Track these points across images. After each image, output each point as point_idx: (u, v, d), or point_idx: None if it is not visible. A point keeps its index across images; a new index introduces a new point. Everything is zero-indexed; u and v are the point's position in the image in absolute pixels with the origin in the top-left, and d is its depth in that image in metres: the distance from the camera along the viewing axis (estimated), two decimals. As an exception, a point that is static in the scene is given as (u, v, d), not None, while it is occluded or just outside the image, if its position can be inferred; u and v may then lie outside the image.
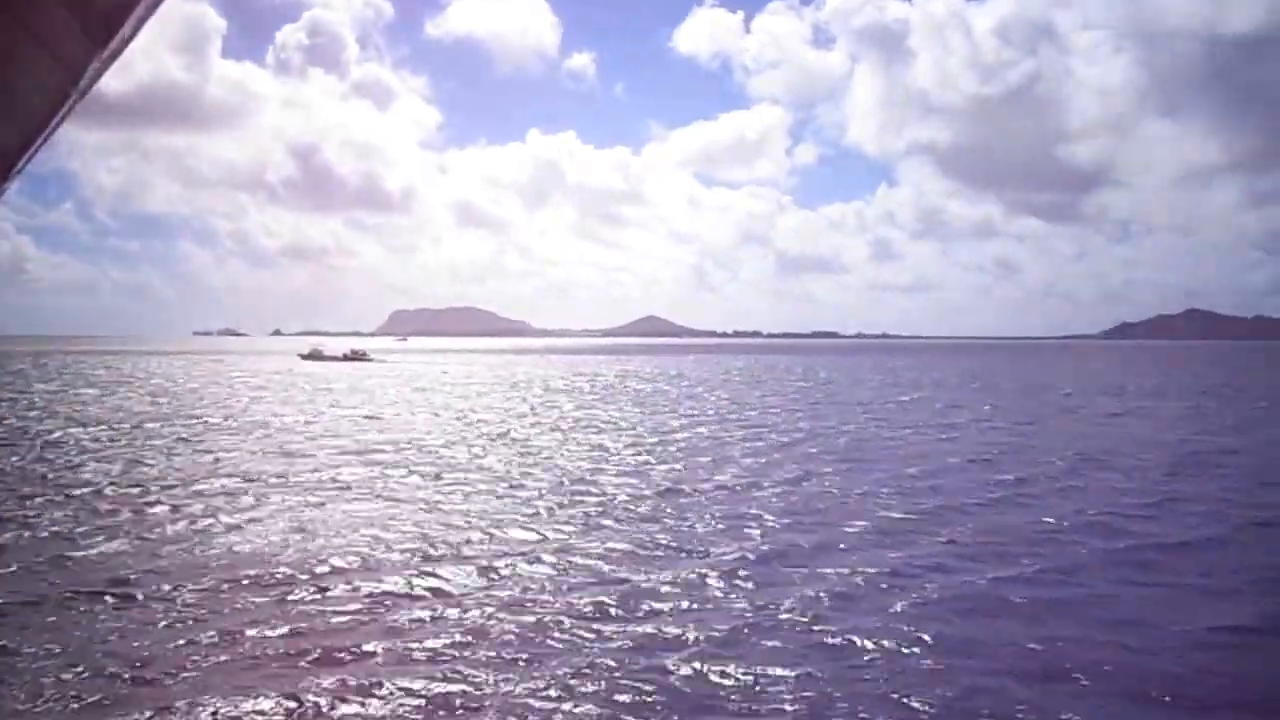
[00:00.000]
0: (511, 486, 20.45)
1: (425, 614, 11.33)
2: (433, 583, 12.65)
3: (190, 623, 10.79)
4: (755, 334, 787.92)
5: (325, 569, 13.22)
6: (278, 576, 12.77)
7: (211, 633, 10.42)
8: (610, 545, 14.89)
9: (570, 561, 13.81)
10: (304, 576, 12.77)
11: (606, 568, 13.51)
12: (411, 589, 12.38)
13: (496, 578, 12.95)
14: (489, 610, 11.45)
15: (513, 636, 10.50)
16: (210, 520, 16.50)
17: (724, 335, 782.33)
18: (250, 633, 10.46)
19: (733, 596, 12.16)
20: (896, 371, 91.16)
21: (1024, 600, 12.07)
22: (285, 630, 10.61)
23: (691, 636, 10.46)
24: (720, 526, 16.45)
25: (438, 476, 21.91)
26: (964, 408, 44.70)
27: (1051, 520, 17.20)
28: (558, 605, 11.72)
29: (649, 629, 10.79)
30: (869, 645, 10.27)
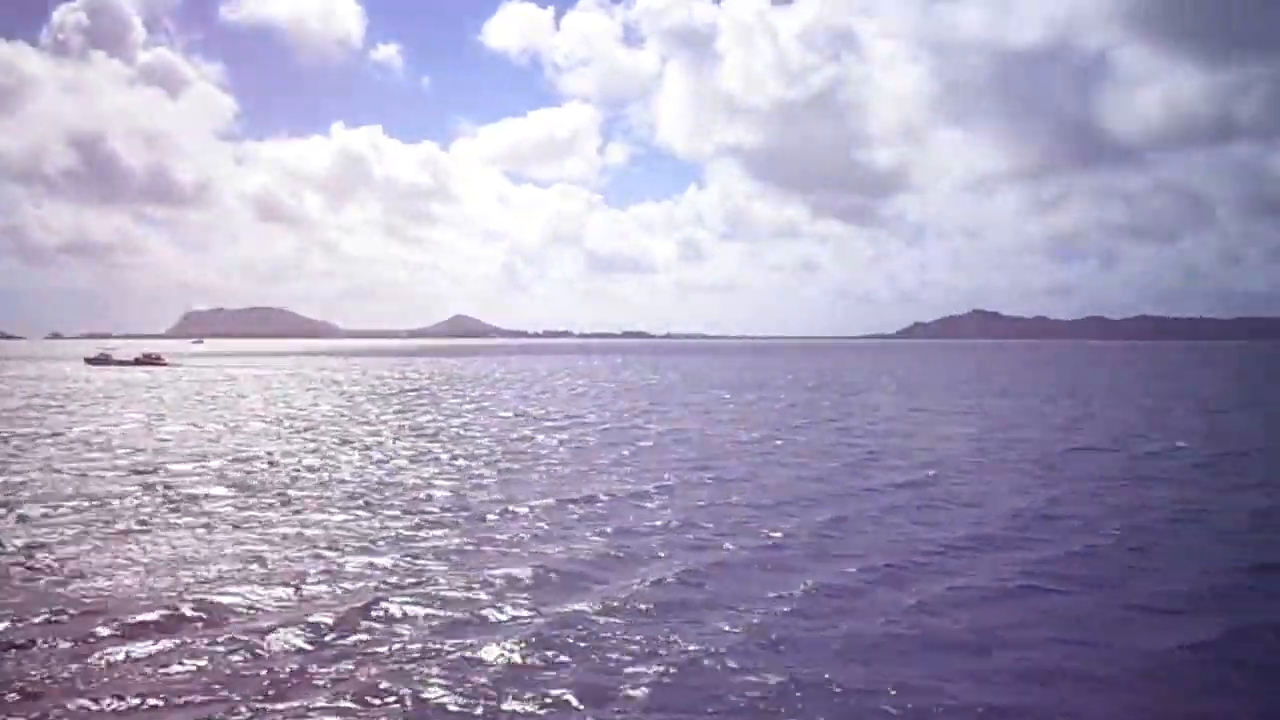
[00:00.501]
0: (366, 505, 18.94)
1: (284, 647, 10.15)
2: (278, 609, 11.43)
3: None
4: (566, 334, 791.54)
5: (137, 595, 11.70)
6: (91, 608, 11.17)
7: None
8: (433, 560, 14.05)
9: (402, 565, 12.87)
10: (118, 607, 11.23)
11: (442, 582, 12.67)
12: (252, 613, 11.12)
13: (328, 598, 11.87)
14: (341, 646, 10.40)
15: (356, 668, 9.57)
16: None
17: (534, 335, 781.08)
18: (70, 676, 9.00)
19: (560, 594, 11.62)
20: (742, 372, 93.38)
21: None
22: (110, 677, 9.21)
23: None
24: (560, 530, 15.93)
25: (282, 495, 20.01)
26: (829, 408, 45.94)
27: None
28: (401, 634, 10.78)
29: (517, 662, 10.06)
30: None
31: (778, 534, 15.97)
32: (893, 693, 9.07)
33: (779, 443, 29.97)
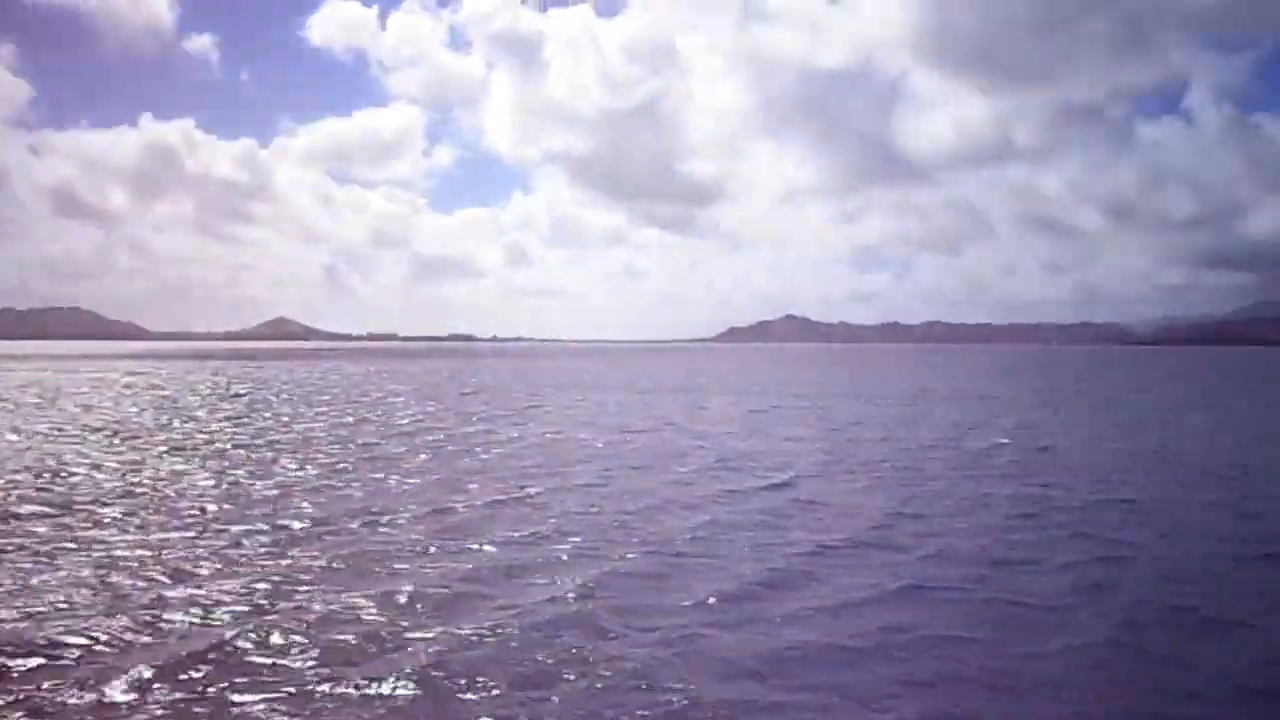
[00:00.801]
0: (215, 521, 17.19)
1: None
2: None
3: None
4: (392, 337, 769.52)
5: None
6: None
7: None
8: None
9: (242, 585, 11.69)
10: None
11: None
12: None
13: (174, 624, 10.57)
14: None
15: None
16: None
17: (359, 339, 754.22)
18: None
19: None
20: (582, 373, 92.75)
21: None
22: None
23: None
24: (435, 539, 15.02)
25: (114, 513, 17.89)
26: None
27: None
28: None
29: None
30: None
31: (655, 542, 15.65)
32: (814, 701, 8.93)
33: (630, 447, 29.78)
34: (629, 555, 14.66)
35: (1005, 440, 31.65)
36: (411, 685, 9.17)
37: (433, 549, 14.92)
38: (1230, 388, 75.33)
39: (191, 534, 15.82)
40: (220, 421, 37.73)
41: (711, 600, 12.18)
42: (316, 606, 11.66)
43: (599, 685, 9.26)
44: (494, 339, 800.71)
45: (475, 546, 15.17)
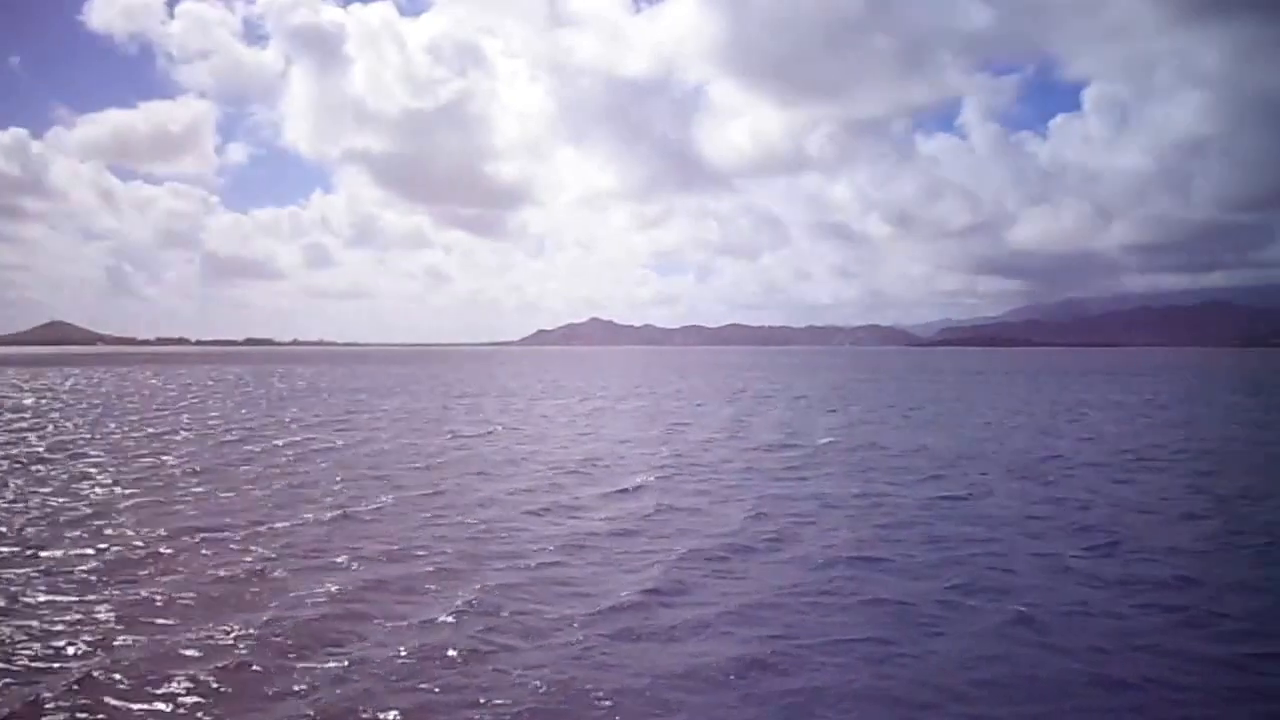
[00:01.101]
0: (24, 544, 15.08)
1: None
2: None
3: None
4: (183, 340, 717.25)
5: None
6: None
7: None
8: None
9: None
10: None
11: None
12: None
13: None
14: None
15: None
16: None
17: (146, 343, 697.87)
18: None
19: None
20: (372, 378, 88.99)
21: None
22: None
23: None
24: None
25: None
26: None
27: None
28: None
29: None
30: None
31: (516, 555, 15.15)
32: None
33: (460, 453, 28.91)
34: (495, 569, 14.05)
35: (833, 439, 32.98)
36: (299, 728, 8.32)
37: (279, 573, 13.75)
38: (1020, 386, 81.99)
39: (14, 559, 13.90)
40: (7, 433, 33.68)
41: (590, 615, 11.81)
42: (166, 640, 10.44)
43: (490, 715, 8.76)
44: (295, 343, 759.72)
45: (325, 567, 14.13)
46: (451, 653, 10.31)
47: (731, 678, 9.72)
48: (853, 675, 9.80)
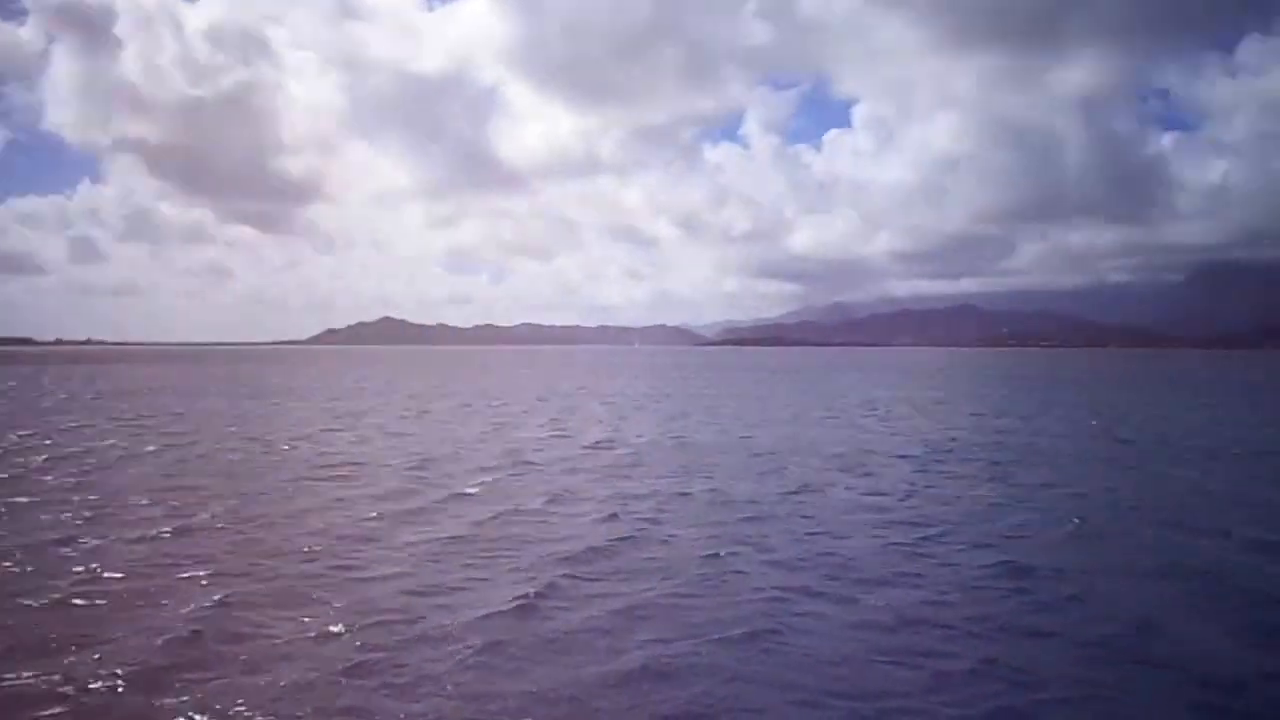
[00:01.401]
0: None
1: None
2: None
3: None
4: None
5: None
6: None
7: None
8: None
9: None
10: None
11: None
12: None
13: None
14: None
15: None
16: None
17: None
18: None
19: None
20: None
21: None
22: None
23: None
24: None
25: None
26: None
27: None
28: None
29: None
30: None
31: (387, 568, 14.51)
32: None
33: (274, 459, 27.27)
34: (356, 580, 13.39)
35: (653, 437, 33.61)
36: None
37: (124, 594, 12.48)
38: (809, 383, 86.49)
39: None
40: None
41: (468, 623, 11.47)
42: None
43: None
44: (58, 342, 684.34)
45: (170, 588, 12.95)
46: (329, 672, 9.72)
47: (616, 686, 9.71)
48: (734, 672, 9.98)
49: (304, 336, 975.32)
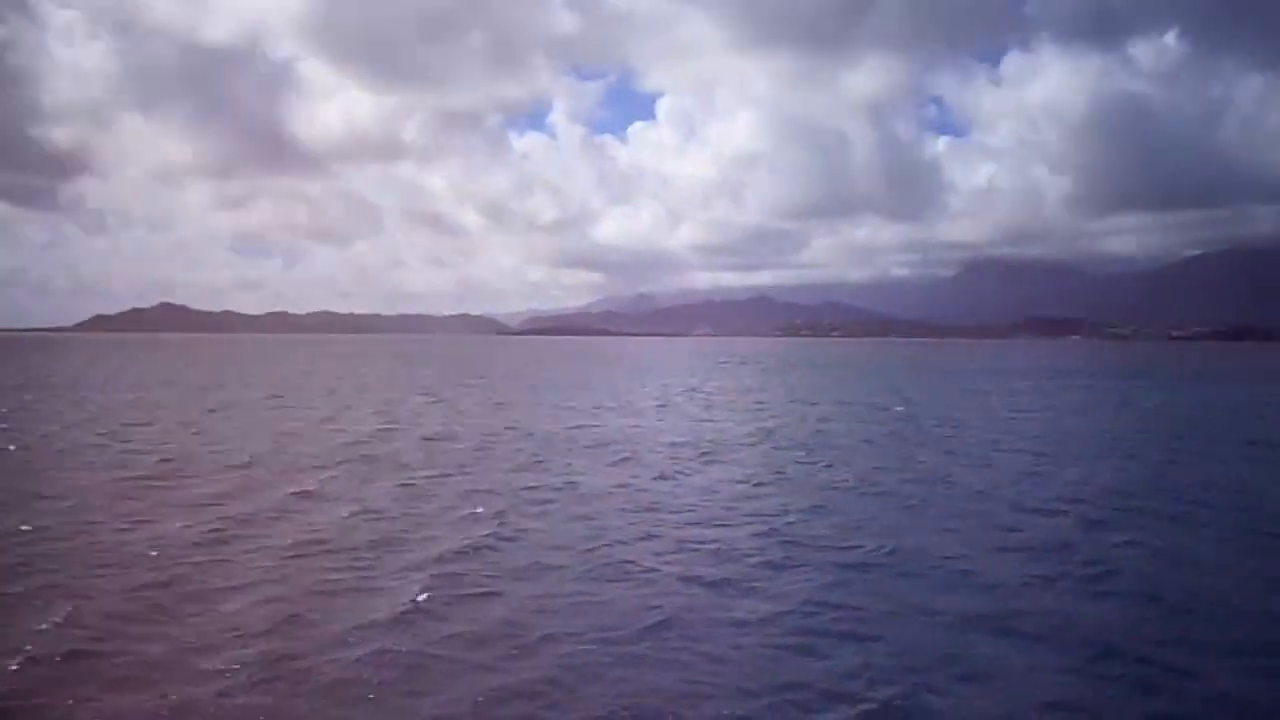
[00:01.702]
0: None
1: None
2: None
3: None
4: None
5: None
6: None
7: None
8: None
9: None
10: None
11: None
12: None
13: None
14: None
15: None
16: None
17: None
18: None
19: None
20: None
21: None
22: None
23: None
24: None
25: None
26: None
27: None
28: None
29: None
30: None
31: (248, 578, 13.47)
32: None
33: (125, 450, 24.79)
34: (221, 590, 12.36)
35: (495, 429, 33.08)
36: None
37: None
38: (620, 372, 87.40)
39: None
40: None
41: (362, 628, 10.89)
42: None
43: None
44: None
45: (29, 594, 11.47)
46: (207, 691, 8.93)
47: (528, 695, 9.51)
48: (660, 665, 10.01)
49: (70, 323, 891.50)
